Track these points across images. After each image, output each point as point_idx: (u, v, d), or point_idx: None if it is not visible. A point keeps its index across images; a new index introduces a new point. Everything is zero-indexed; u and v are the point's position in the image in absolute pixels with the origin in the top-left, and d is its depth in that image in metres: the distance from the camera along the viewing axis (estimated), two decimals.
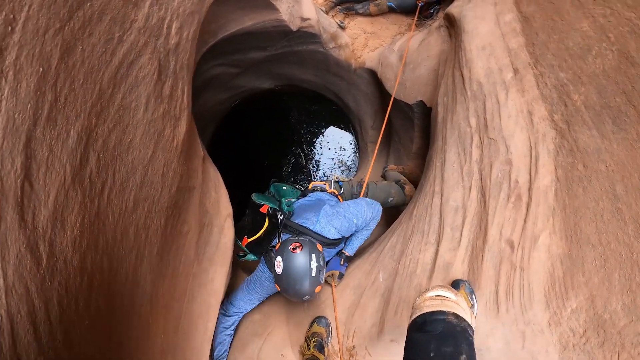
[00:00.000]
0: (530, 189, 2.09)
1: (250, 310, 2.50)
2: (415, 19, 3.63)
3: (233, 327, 2.38)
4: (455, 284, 2.12)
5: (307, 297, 2.03)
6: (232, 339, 2.44)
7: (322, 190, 2.81)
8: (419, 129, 3.27)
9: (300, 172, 4.84)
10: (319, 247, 2.10)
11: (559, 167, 2.05)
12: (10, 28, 0.87)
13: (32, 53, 0.95)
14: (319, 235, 2.27)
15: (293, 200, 2.57)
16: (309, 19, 3.27)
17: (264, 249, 2.35)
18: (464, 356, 1.34)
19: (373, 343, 2.19)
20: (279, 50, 3.57)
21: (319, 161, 4.90)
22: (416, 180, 3.20)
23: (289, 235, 2.29)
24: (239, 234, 2.45)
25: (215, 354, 2.27)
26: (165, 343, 1.75)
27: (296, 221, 2.34)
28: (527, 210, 2.07)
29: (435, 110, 2.72)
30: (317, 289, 2.03)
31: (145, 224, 1.57)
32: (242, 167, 4.63)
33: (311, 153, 4.90)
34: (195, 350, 2.04)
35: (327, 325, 2.33)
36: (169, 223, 1.77)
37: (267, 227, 2.34)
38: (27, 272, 0.94)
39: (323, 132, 4.99)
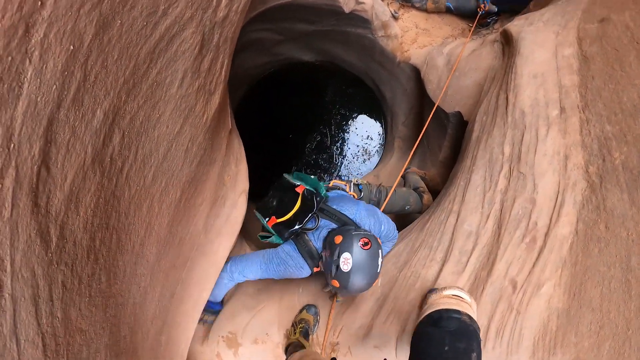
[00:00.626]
0: (547, 235, 2.00)
1: (246, 283, 2.48)
2: (473, 26, 3.40)
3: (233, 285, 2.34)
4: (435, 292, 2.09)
5: (364, 291, 1.95)
6: (224, 306, 2.44)
7: (343, 190, 2.65)
8: (450, 138, 3.13)
9: (323, 152, 4.70)
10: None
11: (581, 220, 1.95)
12: (40, 3, 0.78)
13: (62, 30, 0.86)
14: (357, 225, 2.12)
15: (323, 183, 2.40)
16: (363, 3, 3.10)
17: (292, 233, 2.14)
18: (474, 354, 1.40)
19: (357, 344, 2.17)
20: (327, 27, 3.41)
21: (344, 145, 4.76)
22: (435, 188, 3.10)
23: (327, 221, 2.15)
24: (263, 213, 2.27)
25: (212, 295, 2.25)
26: (158, 309, 1.73)
27: (334, 207, 2.18)
28: (539, 255, 1.99)
29: (471, 127, 2.58)
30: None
31: (160, 198, 1.52)
32: (266, 135, 4.52)
33: (338, 135, 4.75)
34: (186, 315, 2.03)
35: (316, 314, 2.32)
36: (184, 196, 1.72)
37: (298, 209, 2.15)
38: (35, 257, 0.90)
39: (354, 117, 4.82)
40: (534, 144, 2.19)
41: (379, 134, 4.75)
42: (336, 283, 1.87)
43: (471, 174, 2.35)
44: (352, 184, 2.78)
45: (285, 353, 2.24)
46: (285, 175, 2.33)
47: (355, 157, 4.71)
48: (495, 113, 2.45)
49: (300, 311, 2.33)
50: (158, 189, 1.48)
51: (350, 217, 2.12)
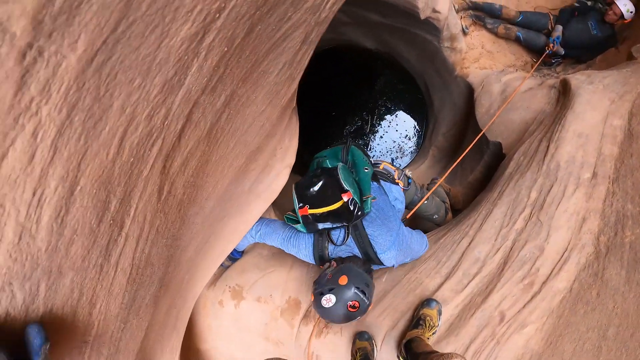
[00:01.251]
0: (544, 283, 2.22)
1: (264, 246, 2.72)
2: (537, 63, 3.50)
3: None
4: (429, 302, 2.33)
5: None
6: (240, 256, 2.72)
7: (392, 178, 2.59)
8: (485, 165, 3.30)
9: (360, 137, 4.88)
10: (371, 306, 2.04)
11: (578, 281, 2.17)
12: (218, 14, 0.95)
13: (225, 36, 1.05)
14: (380, 261, 2.17)
15: (371, 198, 2.23)
16: (439, 12, 3.20)
17: (316, 230, 2.16)
18: None
19: (349, 327, 2.41)
20: (397, 24, 3.53)
21: (382, 137, 4.92)
22: (455, 206, 3.29)
23: (353, 244, 2.17)
24: (300, 196, 2.19)
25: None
26: (194, 253, 1.95)
27: (367, 231, 2.16)
28: (532, 298, 2.21)
29: (507, 162, 2.77)
30: None
31: (231, 163, 1.74)
32: (311, 107, 4.64)
33: (378, 125, 4.89)
34: (209, 261, 2.24)
35: (370, 338, 2.39)
36: (245, 162, 1.93)
37: (334, 209, 2.09)
38: (150, 206, 1.12)
39: (397, 113, 4.94)
40: (559, 198, 2.37)
41: (417, 137, 4.92)
42: (312, 297, 2.02)
43: (494, 207, 2.55)
44: (403, 174, 2.71)
45: None
46: (340, 168, 2.22)
47: (389, 152, 4.87)
48: (532, 157, 2.62)
49: (354, 342, 2.41)
50: (232, 156, 1.70)
51: (378, 253, 2.16)
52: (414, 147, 4.93)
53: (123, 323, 1.26)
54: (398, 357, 2.24)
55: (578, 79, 2.83)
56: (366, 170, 2.37)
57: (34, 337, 0.77)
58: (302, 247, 2.26)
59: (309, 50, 1.92)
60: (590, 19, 3.65)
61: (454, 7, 3.62)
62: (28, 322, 0.83)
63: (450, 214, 3.12)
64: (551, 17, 3.80)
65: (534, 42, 3.81)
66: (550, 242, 2.30)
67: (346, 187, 2.11)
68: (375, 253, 2.16)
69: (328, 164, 2.47)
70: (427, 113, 4.72)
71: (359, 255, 2.20)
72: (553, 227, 2.32)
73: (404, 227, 2.34)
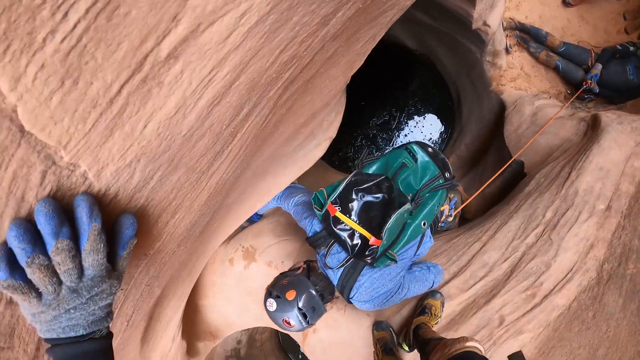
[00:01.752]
0: (545, 297, 2.50)
1: (283, 214, 2.92)
2: (574, 97, 3.82)
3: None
4: (434, 293, 2.58)
5: None
6: (259, 219, 2.91)
7: (437, 224, 2.40)
8: (503, 180, 3.60)
9: (385, 131, 5.18)
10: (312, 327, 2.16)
11: (577, 300, 2.46)
12: None
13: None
14: (348, 301, 2.18)
15: (392, 260, 2.00)
16: (489, 26, 3.47)
17: (329, 231, 1.98)
18: None
19: (353, 306, 2.62)
20: (444, 29, 3.78)
21: (406, 136, 5.23)
22: (465, 215, 3.56)
23: (339, 273, 2.10)
24: (346, 192, 1.95)
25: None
26: (231, 203, 2.10)
27: (360, 277, 2.08)
28: (532, 309, 2.49)
29: (528, 181, 3.07)
30: None
31: (296, 119, 1.94)
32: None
33: (404, 124, 5.16)
34: (236, 216, 2.37)
35: (387, 327, 2.54)
36: (303, 123, 2.12)
37: (357, 232, 1.88)
38: (255, 129, 1.19)
39: (425, 116, 5.22)
40: (572, 223, 2.67)
41: (441, 142, 5.22)
42: (265, 289, 2.16)
43: (509, 219, 2.84)
44: (447, 218, 2.58)
45: None
46: (401, 213, 1.88)
47: None
48: (553, 180, 2.92)
49: (372, 333, 2.59)
50: (300, 112, 1.91)
51: (351, 297, 2.13)
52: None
53: (177, 246, 1.23)
54: (400, 343, 2.48)
55: (609, 117, 3.15)
56: (423, 226, 2.10)
57: (127, 227, 0.74)
58: (304, 222, 2.29)
59: (384, 31, 2.16)
60: (630, 64, 3.96)
61: (503, 24, 3.91)
62: (126, 210, 0.81)
63: (457, 224, 3.38)
64: (593, 54, 4.11)
65: (572, 74, 4.11)
66: (557, 260, 2.58)
67: (383, 234, 1.85)
68: (348, 296, 2.13)
69: (411, 179, 2.18)
70: (454, 121, 5.01)
71: (334, 282, 2.15)
72: (562, 248, 2.60)
73: (404, 279, 2.21)
